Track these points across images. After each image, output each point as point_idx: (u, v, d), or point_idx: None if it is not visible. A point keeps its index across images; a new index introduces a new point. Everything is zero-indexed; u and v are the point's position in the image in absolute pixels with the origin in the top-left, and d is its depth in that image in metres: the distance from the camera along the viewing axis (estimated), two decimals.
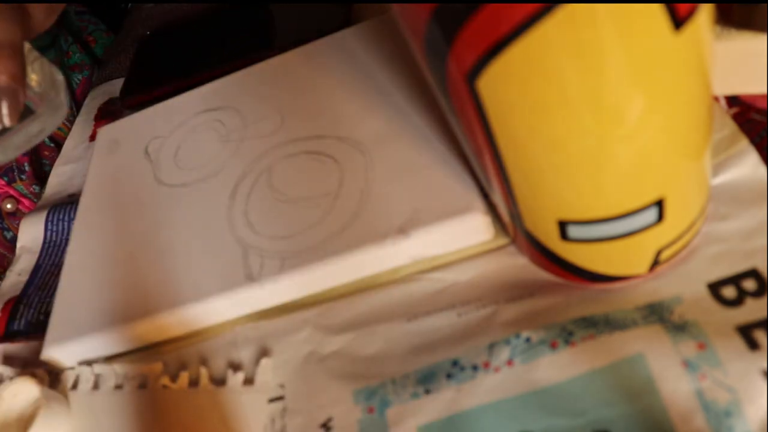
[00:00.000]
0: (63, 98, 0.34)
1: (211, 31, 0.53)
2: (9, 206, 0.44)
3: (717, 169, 0.28)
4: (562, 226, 0.23)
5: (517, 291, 0.28)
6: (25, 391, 0.30)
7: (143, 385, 0.31)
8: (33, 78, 0.31)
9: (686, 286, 0.25)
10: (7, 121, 0.30)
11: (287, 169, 0.34)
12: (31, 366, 0.34)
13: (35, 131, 0.33)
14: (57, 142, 0.53)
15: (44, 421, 0.28)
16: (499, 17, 0.16)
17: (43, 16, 0.31)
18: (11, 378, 0.33)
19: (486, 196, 0.29)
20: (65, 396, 0.31)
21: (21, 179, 0.47)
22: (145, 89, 0.49)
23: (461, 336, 0.27)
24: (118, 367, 0.31)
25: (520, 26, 0.16)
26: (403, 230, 0.29)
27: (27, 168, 0.47)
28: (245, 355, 0.30)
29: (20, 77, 0.29)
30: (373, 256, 0.29)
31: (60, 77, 0.33)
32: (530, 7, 0.15)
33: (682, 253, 0.26)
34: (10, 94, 0.29)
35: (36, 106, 0.32)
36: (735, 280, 0.24)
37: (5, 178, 0.46)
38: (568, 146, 0.19)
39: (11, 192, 0.45)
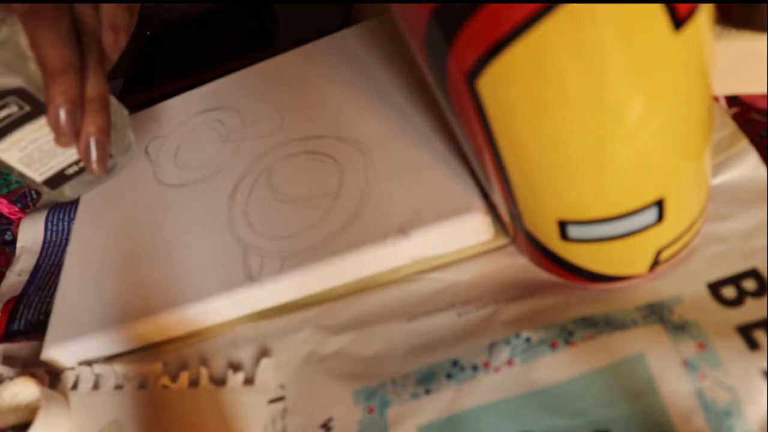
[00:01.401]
0: (130, 135, 0.34)
1: (211, 31, 0.53)
2: (19, 232, 0.44)
3: (717, 169, 0.28)
4: (562, 226, 0.23)
5: (517, 291, 0.28)
6: (25, 391, 0.30)
7: (143, 385, 0.31)
8: None
9: (686, 286, 0.25)
10: (96, 171, 0.31)
11: (287, 169, 0.34)
12: (31, 366, 0.34)
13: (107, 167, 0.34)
14: None
15: (44, 421, 0.28)
16: (499, 17, 0.16)
17: (115, 57, 0.32)
18: (11, 378, 0.33)
19: (486, 196, 0.29)
20: (65, 396, 0.31)
21: (34, 205, 0.47)
22: (145, 89, 0.49)
23: (461, 336, 0.27)
24: (118, 367, 0.31)
25: (520, 26, 0.16)
26: (403, 230, 0.29)
27: (35, 195, 0.48)
28: (245, 355, 0.30)
29: (108, 129, 0.30)
30: (373, 256, 0.29)
31: (125, 112, 0.34)
32: (530, 7, 0.15)
33: (682, 253, 0.26)
34: (99, 146, 0.30)
35: None
36: (735, 280, 0.24)
37: (19, 205, 0.47)
38: (568, 146, 0.19)
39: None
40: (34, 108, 0.29)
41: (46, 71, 0.27)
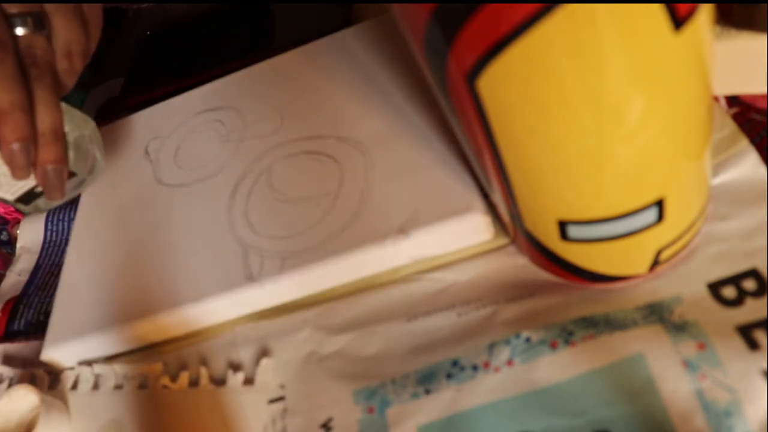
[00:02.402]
0: (96, 150, 0.35)
1: (211, 31, 0.53)
2: (19, 232, 0.44)
3: (717, 169, 0.28)
4: (562, 226, 0.23)
5: (517, 291, 0.28)
6: (24, 397, 0.29)
7: (143, 385, 0.31)
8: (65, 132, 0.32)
9: (686, 286, 0.25)
10: (55, 197, 0.32)
11: (287, 169, 0.34)
12: (31, 366, 0.34)
13: (74, 183, 0.34)
14: None
15: (44, 429, 0.28)
16: (499, 17, 0.16)
17: (71, 83, 0.33)
18: (11, 378, 0.33)
19: (486, 196, 0.29)
20: (65, 399, 0.31)
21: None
22: (145, 89, 0.49)
23: (461, 336, 0.27)
24: (118, 367, 0.31)
25: (520, 26, 0.16)
26: (403, 230, 0.29)
27: None
28: (245, 355, 0.30)
29: (62, 158, 0.31)
30: (373, 256, 0.29)
31: (92, 124, 0.34)
32: (530, 7, 0.15)
33: (682, 253, 0.26)
34: (55, 174, 0.31)
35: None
36: (735, 280, 0.24)
37: None
38: (568, 146, 0.19)
39: (20, 218, 0.45)
40: None
41: None
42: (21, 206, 0.34)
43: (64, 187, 0.32)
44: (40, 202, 0.34)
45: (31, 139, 0.30)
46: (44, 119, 0.30)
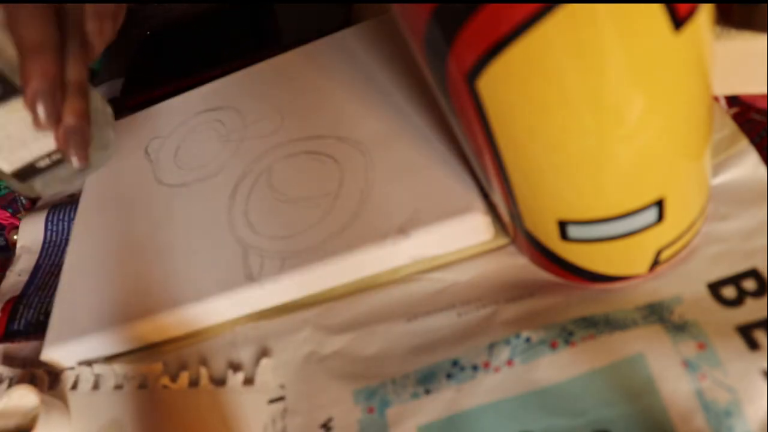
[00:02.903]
0: (110, 133, 0.33)
1: (211, 31, 0.53)
2: (16, 237, 0.44)
3: (717, 169, 0.28)
4: (562, 226, 0.23)
5: (517, 291, 0.28)
6: (24, 397, 0.29)
7: (143, 385, 0.31)
8: None
9: (686, 286, 0.25)
10: (77, 164, 0.29)
11: (287, 169, 0.34)
12: (31, 366, 0.34)
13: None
14: None
15: (44, 429, 0.28)
16: (499, 17, 0.16)
17: (100, 47, 0.31)
18: (11, 378, 0.33)
19: (486, 196, 0.29)
20: (65, 399, 0.31)
21: (25, 210, 0.47)
22: (145, 89, 0.49)
23: (461, 336, 0.27)
24: (118, 367, 0.31)
25: (520, 26, 0.16)
26: (403, 230, 0.29)
27: (25, 200, 0.48)
28: (245, 355, 0.30)
29: (87, 114, 0.29)
30: (373, 256, 0.29)
31: (109, 109, 0.33)
32: (530, 7, 0.15)
33: (682, 253, 0.26)
34: (78, 133, 0.28)
35: None
36: (735, 280, 0.24)
37: (10, 210, 0.47)
38: (568, 146, 0.19)
39: (17, 223, 0.45)
40: (5, 91, 0.27)
41: (22, 49, 0.26)
42: (15, 183, 0.31)
43: (87, 151, 0.29)
44: (38, 183, 0.31)
45: (59, 82, 0.27)
46: (72, 70, 0.28)
